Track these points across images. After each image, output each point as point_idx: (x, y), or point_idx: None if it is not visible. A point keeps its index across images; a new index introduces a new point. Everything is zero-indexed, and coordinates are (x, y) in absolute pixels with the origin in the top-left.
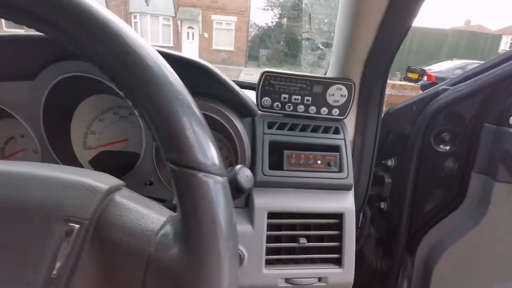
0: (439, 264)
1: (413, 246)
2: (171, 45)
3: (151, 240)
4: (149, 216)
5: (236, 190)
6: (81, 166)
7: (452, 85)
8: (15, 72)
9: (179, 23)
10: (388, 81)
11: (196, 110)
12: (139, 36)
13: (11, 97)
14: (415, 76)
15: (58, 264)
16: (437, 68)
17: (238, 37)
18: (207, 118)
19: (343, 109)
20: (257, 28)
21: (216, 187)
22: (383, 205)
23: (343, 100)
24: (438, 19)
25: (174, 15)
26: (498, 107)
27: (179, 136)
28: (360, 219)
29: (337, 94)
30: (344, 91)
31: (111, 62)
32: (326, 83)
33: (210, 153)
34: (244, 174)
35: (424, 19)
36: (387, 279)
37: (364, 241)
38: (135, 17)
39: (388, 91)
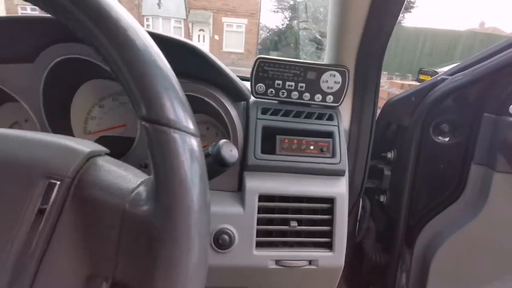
0: (437, 257)
1: (412, 239)
2: None
3: (126, 197)
4: (127, 176)
5: (219, 163)
6: None
7: (451, 74)
8: (15, 54)
9: (190, 25)
10: (397, 81)
11: (169, 72)
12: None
13: (11, 79)
14: (427, 78)
15: (38, 223)
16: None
17: (248, 39)
18: (200, 101)
19: (337, 96)
20: (267, 31)
21: (185, 145)
22: (382, 198)
23: (337, 86)
24: (452, 21)
25: (185, 18)
26: (497, 96)
27: (151, 93)
28: (360, 212)
29: (331, 81)
30: (338, 78)
31: (87, 24)
32: (319, 69)
33: (182, 112)
34: (227, 148)
35: (438, 20)
36: (386, 273)
37: (364, 234)
38: (147, 19)
39: (396, 91)
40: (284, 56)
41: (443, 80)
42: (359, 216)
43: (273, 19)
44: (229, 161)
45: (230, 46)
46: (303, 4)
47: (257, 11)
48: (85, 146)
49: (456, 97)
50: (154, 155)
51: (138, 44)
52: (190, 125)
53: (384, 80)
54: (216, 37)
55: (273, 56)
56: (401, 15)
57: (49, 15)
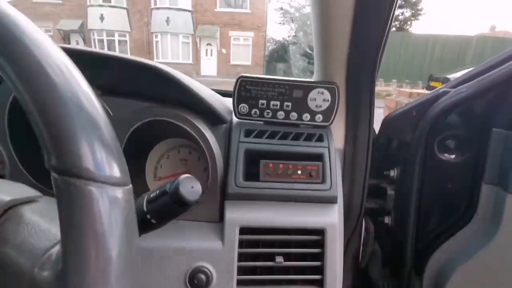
0: (450, 286)
1: (421, 265)
2: (191, 61)
3: (37, 259)
4: (46, 231)
5: (177, 203)
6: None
7: (454, 87)
8: None
9: (198, 40)
10: (405, 90)
11: (91, 109)
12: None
13: None
14: (438, 85)
15: None
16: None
17: (255, 52)
18: (173, 126)
19: (327, 115)
20: (274, 43)
21: (104, 198)
22: (387, 219)
23: (327, 104)
24: (462, 26)
25: (193, 33)
26: (507, 109)
27: (60, 137)
28: (363, 234)
29: (319, 99)
30: (327, 95)
31: None
32: (306, 87)
33: (103, 158)
34: (188, 184)
35: (447, 26)
36: None
37: (368, 259)
38: (156, 36)
39: (405, 99)
40: (290, 67)
41: (445, 93)
42: (362, 239)
43: (279, 31)
44: (189, 199)
45: (238, 59)
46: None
47: (263, 24)
48: (6, 193)
49: (461, 111)
50: (62, 212)
51: (49, 72)
52: (115, 173)
53: (393, 88)
54: (224, 50)
55: (280, 67)
56: (409, 22)
57: None
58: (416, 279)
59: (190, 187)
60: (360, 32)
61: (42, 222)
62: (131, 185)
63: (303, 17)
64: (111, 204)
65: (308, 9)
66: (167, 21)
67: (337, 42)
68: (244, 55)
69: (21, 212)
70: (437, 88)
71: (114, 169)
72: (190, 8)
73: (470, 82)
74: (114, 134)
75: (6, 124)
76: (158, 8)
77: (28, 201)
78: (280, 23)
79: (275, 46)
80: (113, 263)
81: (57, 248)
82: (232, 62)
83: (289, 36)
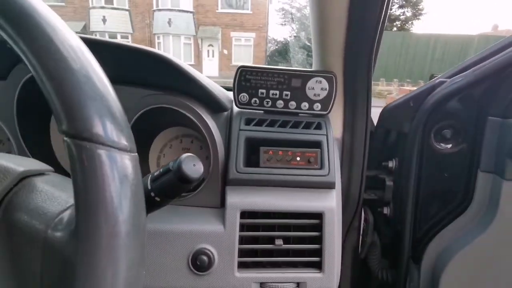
0: (446, 273)
1: (419, 254)
2: (192, 62)
3: (50, 221)
4: (58, 198)
5: (180, 180)
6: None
7: (449, 77)
8: None
9: (199, 41)
10: (407, 88)
11: (100, 81)
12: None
13: None
14: None
15: None
16: None
17: (257, 53)
18: (179, 114)
19: (325, 103)
20: (275, 43)
21: (113, 162)
22: (386, 210)
23: (325, 93)
24: (464, 26)
25: (195, 34)
26: (502, 97)
27: (73, 104)
28: (363, 225)
29: (317, 88)
30: (325, 84)
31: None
32: (304, 76)
33: (111, 125)
34: (190, 162)
35: (448, 26)
36: None
37: (368, 250)
38: (158, 37)
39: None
40: (291, 61)
41: (441, 83)
42: (361, 230)
43: (281, 32)
44: (192, 176)
45: (239, 59)
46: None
47: (264, 25)
48: (20, 165)
49: (457, 100)
50: (74, 174)
51: (62, 50)
52: (122, 140)
53: (394, 88)
54: (225, 51)
55: (282, 67)
56: (410, 22)
57: None
58: (415, 267)
59: (192, 165)
60: (356, 20)
61: (54, 191)
62: (137, 154)
63: (303, 17)
64: (119, 167)
65: (309, 9)
66: (169, 22)
67: (334, 30)
68: (245, 55)
69: (34, 182)
70: (433, 79)
71: (122, 137)
72: (191, 9)
73: (466, 72)
74: (121, 107)
75: (15, 111)
76: (160, 10)
77: (40, 173)
78: (282, 24)
79: (276, 47)
80: (122, 220)
81: (68, 211)
82: (233, 63)
83: (290, 37)
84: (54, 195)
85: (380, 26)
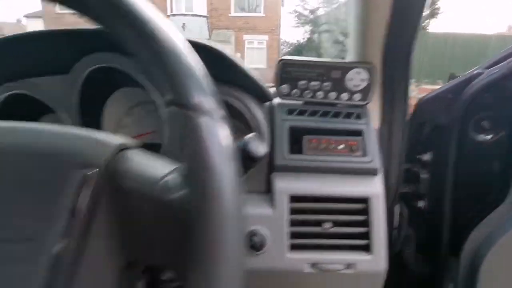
0: (486, 264)
1: (457, 247)
2: None
3: (156, 184)
4: (156, 165)
5: (248, 158)
6: None
7: (486, 68)
8: (50, 66)
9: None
10: (427, 87)
11: (194, 59)
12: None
13: (49, 92)
14: None
15: (73, 213)
16: None
17: (269, 55)
18: (224, 104)
19: (365, 94)
20: (288, 46)
21: (214, 129)
22: (421, 204)
23: (364, 84)
24: (479, 25)
25: (208, 38)
26: None
27: (179, 78)
28: (397, 219)
29: (356, 79)
30: (364, 75)
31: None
32: (344, 67)
33: (210, 97)
34: (255, 141)
35: (464, 25)
36: (431, 285)
37: (402, 243)
38: None
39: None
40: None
41: (479, 74)
42: (397, 224)
43: (294, 34)
44: (258, 154)
45: (252, 62)
46: (322, 11)
47: (277, 27)
48: (116, 139)
49: (495, 91)
50: (183, 140)
51: (166, 36)
52: (219, 110)
53: (413, 87)
54: (238, 54)
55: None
56: (426, 21)
57: (81, 28)
58: (453, 260)
59: (257, 144)
60: (398, 14)
61: (153, 159)
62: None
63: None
64: (220, 133)
65: (322, 11)
66: (183, 27)
67: (376, 23)
68: (258, 58)
69: (128, 154)
70: (470, 70)
71: (218, 107)
72: (205, 14)
73: (502, 63)
74: (211, 82)
75: (78, 102)
76: (174, 15)
77: (137, 146)
78: (295, 26)
79: (289, 49)
80: (226, 183)
81: (171, 175)
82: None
83: (303, 39)
84: (151, 164)
85: (420, 20)
